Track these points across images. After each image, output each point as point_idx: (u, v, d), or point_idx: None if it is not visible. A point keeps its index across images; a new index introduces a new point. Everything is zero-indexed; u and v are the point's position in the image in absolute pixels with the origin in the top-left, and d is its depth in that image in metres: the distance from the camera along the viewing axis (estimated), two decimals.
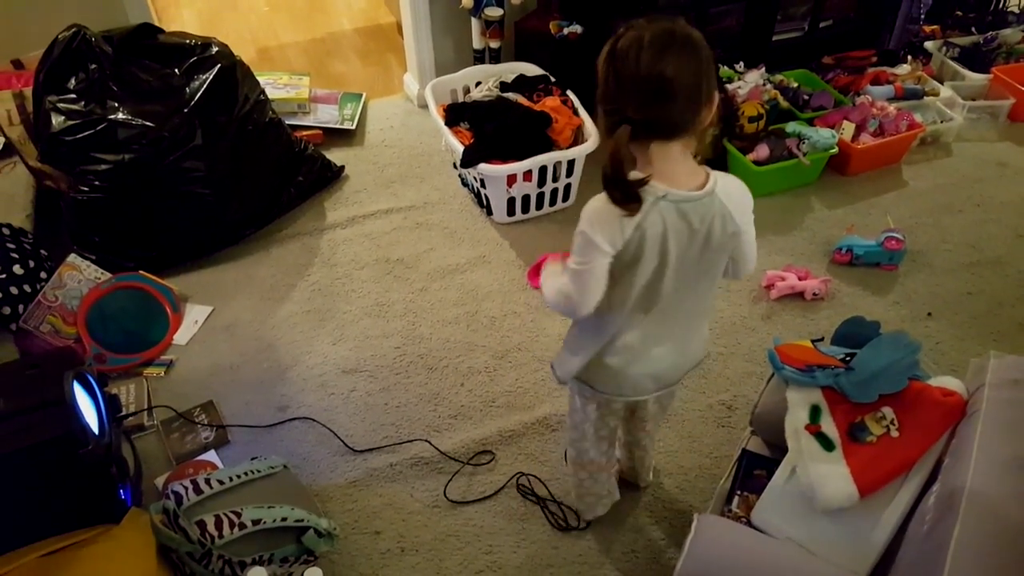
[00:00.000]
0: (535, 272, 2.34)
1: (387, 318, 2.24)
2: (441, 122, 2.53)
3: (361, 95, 3.17)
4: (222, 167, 2.33)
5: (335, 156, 2.85)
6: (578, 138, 2.53)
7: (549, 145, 2.45)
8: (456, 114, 2.55)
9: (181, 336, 2.18)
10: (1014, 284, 2.27)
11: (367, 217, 2.61)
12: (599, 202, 1.15)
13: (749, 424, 1.65)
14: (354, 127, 3.00)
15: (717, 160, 2.70)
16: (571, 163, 2.45)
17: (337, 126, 2.99)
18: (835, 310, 2.21)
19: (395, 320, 2.23)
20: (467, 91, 2.79)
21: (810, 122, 2.71)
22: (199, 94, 2.28)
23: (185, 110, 2.25)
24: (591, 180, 2.63)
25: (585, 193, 2.60)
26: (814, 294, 2.23)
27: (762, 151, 2.56)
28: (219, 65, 2.35)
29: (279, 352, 2.15)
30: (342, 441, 1.89)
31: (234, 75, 2.40)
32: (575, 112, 2.56)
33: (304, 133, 2.89)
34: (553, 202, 2.56)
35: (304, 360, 2.12)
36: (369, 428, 1.93)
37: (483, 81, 2.78)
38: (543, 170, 2.42)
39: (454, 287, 2.34)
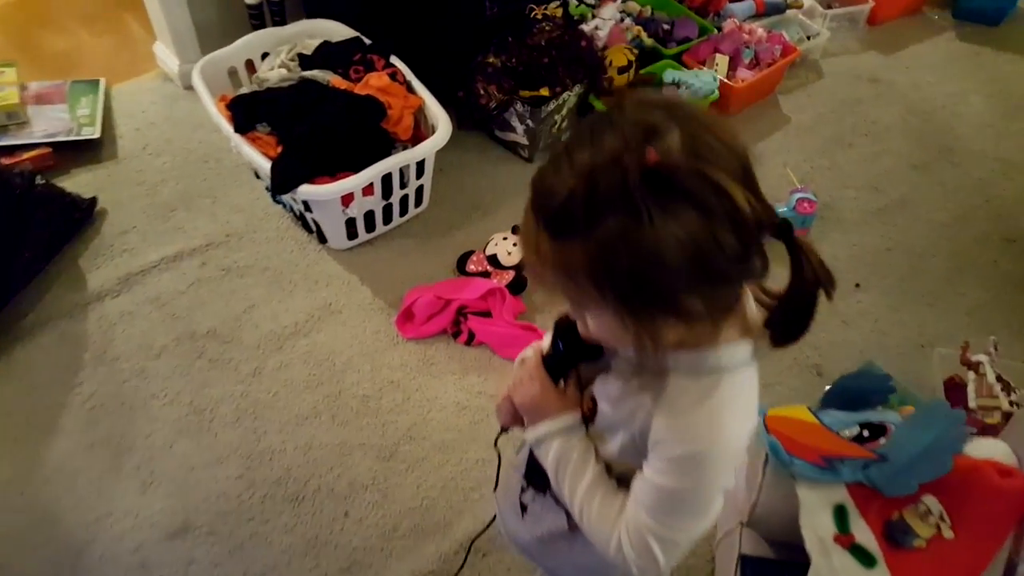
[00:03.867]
0: (405, 317, 1.81)
1: (213, 431, 1.61)
2: (228, 127, 1.82)
3: (98, 82, 2.30)
4: None
5: (79, 183, 2.03)
6: (420, 124, 1.94)
7: (387, 142, 1.84)
8: (248, 111, 1.84)
9: None
10: (925, 228, 2.08)
11: (147, 272, 1.88)
12: (739, 424, 0.70)
13: (740, 523, 1.30)
14: (98, 133, 2.16)
15: None
16: (421, 162, 1.87)
17: (73, 137, 2.13)
18: None
19: (225, 431, 1.61)
20: (252, 68, 2.06)
21: (678, 59, 2.31)
22: None
23: None
24: (447, 172, 2.07)
25: (442, 190, 2.05)
26: None
27: None
28: None
29: (63, 524, 1.46)
30: None
31: None
32: (410, 89, 1.95)
33: (25, 157, 2.02)
34: (404, 211, 1.98)
35: (105, 529, 1.46)
36: None
37: (272, 53, 2.06)
38: (387, 177, 1.82)
39: (298, 360, 1.73)
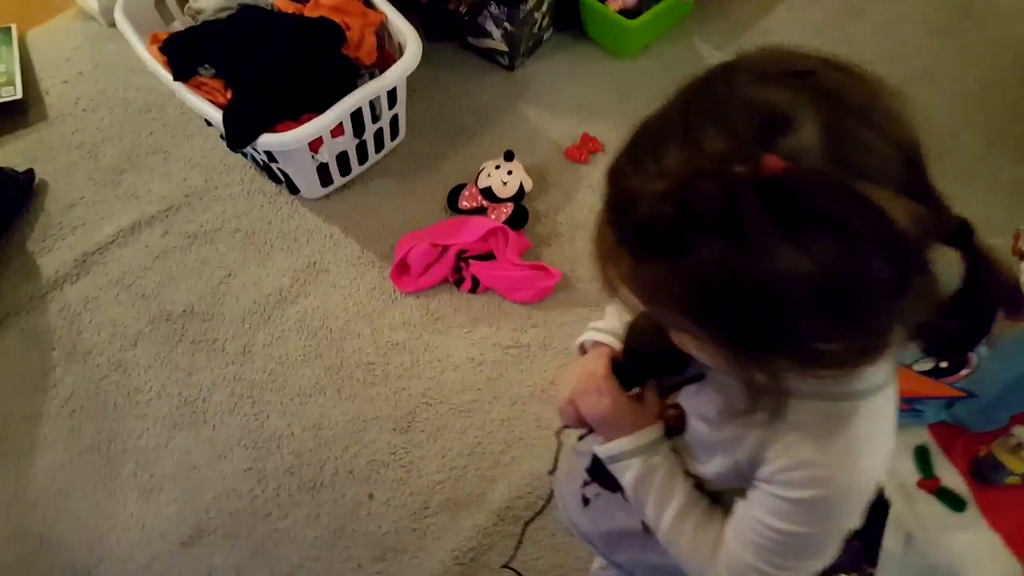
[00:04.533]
0: (400, 269, 1.63)
1: (210, 422, 1.47)
2: (166, 75, 1.56)
3: (10, 29, 2.00)
4: None
5: (10, 155, 1.80)
6: (383, 43, 1.69)
7: (351, 71, 1.60)
8: (186, 54, 1.58)
9: None
10: (951, 100, 1.89)
11: (105, 249, 1.68)
12: (877, 458, 0.57)
13: None
14: (20, 93, 1.89)
15: (565, 20, 1.97)
16: (392, 90, 1.63)
17: None
18: None
19: (224, 421, 1.47)
20: None
21: None
22: None
23: None
24: (420, 93, 1.84)
25: (419, 115, 1.82)
26: None
27: None
28: None
29: (63, 548, 1.34)
30: None
31: None
32: (367, 3, 1.68)
33: None
34: (380, 147, 1.76)
35: (111, 547, 1.34)
36: None
37: None
38: (356, 113, 1.59)
39: (291, 330, 1.57)
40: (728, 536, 0.63)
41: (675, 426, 0.67)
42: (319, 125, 1.50)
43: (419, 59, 1.60)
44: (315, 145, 1.57)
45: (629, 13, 1.88)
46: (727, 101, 0.44)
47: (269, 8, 1.64)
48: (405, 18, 1.65)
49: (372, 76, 1.60)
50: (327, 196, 1.73)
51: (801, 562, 0.60)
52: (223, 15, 1.64)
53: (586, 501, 0.86)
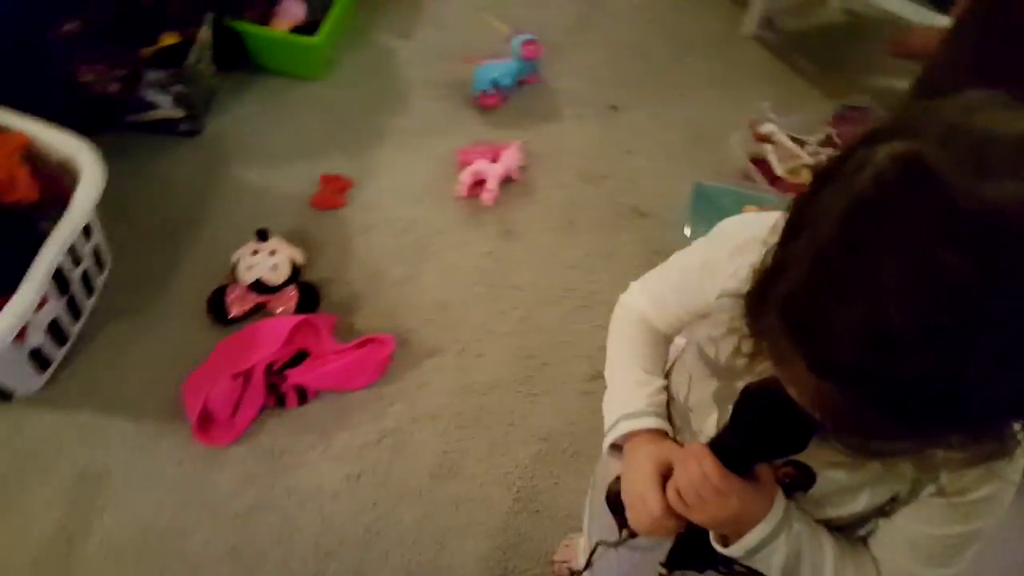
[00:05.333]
0: (202, 424, 1.30)
1: None
2: None
3: None
4: None
5: None
6: (37, 168, 1.27)
7: (23, 225, 1.18)
8: None
9: None
10: (631, 21, 1.99)
11: None
12: None
13: None
14: None
15: (229, 60, 1.68)
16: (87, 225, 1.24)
17: None
18: (555, 171, 1.70)
19: None
20: None
21: None
22: None
23: None
24: (101, 202, 1.44)
25: (115, 235, 1.44)
26: (521, 168, 1.68)
27: (296, 8, 1.65)
28: None
29: None
30: None
31: None
32: None
33: None
34: (91, 291, 1.36)
35: None
36: None
37: None
38: (59, 272, 1.18)
39: (104, 568, 1.17)
40: (884, 558, 0.61)
41: (791, 483, 0.62)
42: (19, 310, 1.09)
43: (105, 173, 1.23)
44: (21, 334, 1.15)
45: (301, 30, 1.67)
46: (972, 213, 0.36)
47: None
48: (55, 125, 1.26)
49: (46, 216, 1.20)
50: (52, 380, 1.30)
51: (971, 552, 0.59)
52: None
53: None
